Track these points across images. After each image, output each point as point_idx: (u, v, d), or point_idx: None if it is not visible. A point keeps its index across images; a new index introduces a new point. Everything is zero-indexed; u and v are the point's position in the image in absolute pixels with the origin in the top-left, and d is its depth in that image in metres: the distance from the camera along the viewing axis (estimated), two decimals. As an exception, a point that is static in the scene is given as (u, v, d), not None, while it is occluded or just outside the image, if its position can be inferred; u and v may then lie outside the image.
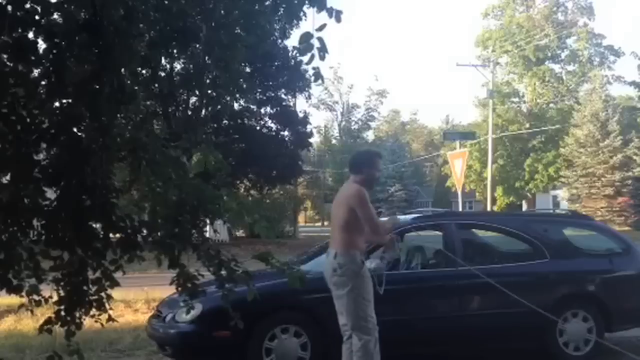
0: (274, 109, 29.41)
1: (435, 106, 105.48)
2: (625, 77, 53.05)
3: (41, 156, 2.93)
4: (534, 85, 49.96)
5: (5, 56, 2.78)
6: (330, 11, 2.82)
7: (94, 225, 2.99)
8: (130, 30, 2.94)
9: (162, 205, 3.01)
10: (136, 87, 3.21)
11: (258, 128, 29.35)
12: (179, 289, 3.16)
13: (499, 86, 48.03)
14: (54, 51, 2.82)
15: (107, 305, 3.19)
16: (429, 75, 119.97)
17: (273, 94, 28.96)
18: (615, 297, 6.63)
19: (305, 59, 2.76)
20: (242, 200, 20.18)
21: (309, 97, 32.14)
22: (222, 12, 18.42)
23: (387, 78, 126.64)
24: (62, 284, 3.07)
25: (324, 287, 5.95)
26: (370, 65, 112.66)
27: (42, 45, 2.84)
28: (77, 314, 3.15)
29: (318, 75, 2.90)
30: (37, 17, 2.81)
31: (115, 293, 3.36)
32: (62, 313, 3.12)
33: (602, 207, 42.18)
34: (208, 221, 3.14)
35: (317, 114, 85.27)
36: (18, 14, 2.76)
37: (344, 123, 72.68)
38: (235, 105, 27.32)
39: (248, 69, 25.14)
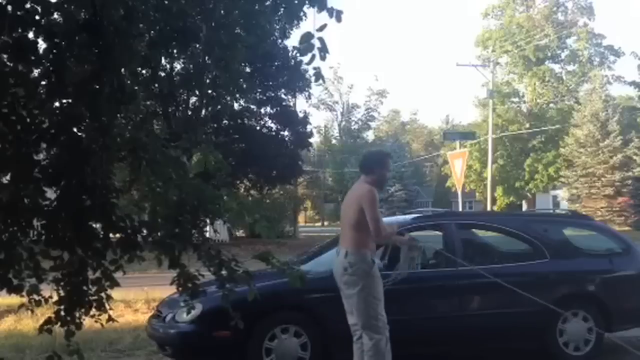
0: (274, 109, 29.40)
1: (435, 106, 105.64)
2: (625, 77, 53.15)
3: (41, 156, 2.93)
4: (534, 85, 49.95)
5: (5, 56, 2.78)
6: (330, 11, 2.82)
7: (94, 225, 2.99)
8: (130, 30, 2.94)
9: (162, 205, 3.01)
10: (136, 87, 3.21)
11: (258, 128, 29.34)
12: (180, 289, 3.15)
13: (499, 86, 48.02)
14: (54, 51, 2.83)
15: (107, 305, 3.19)
16: (429, 75, 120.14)
17: (273, 94, 28.95)
18: (615, 297, 6.63)
19: (306, 59, 2.76)
20: (242, 200, 20.19)
21: (309, 97, 32.16)
22: (222, 12, 18.41)
23: (387, 78, 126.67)
24: (62, 284, 3.08)
25: (324, 287, 5.97)
26: (370, 65, 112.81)
27: (42, 45, 2.84)
28: (77, 314, 3.15)
29: (319, 76, 2.90)
30: (37, 17, 2.81)
31: (115, 293, 3.36)
32: (62, 313, 3.13)
33: (602, 207, 42.17)
34: (208, 221, 3.14)
35: (317, 114, 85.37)
36: (18, 14, 2.76)
37: (344, 123, 72.66)
38: (235, 105, 27.32)
39: (248, 69, 25.13)
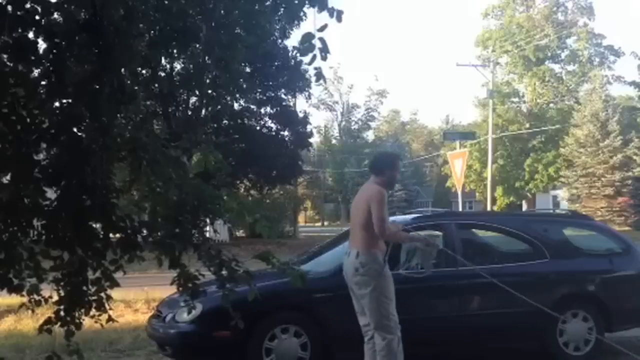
0: (274, 109, 29.40)
1: (435, 106, 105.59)
2: (625, 77, 53.02)
3: (41, 156, 2.93)
4: (534, 85, 49.93)
5: (5, 56, 2.78)
6: (331, 11, 2.81)
7: (94, 225, 2.99)
8: (130, 30, 2.94)
9: (163, 205, 3.01)
10: (136, 87, 3.21)
11: (258, 128, 29.34)
12: (180, 289, 3.15)
13: (499, 86, 48.01)
14: (54, 51, 2.83)
15: (107, 305, 3.19)
16: (429, 75, 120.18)
17: (273, 94, 28.95)
18: (615, 297, 6.63)
19: (307, 59, 2.76)
20: (242, 200, 20.19)
21: (309, 97, 32.17)
22: (222, 12, 18.46)
23: (387, 78, 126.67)
24: (62, 284, 3.08)
25: (324, 287, 5.97)
26: (370, 65, 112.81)
27: (42, 45, 2.84)
28: (77, 314, 3.15)
29: (320, 76, 2.90)
30: (37, 17, 2.81)
31: (115, 293, 3.36)
32: (62, 313, 3.12)
33: (602, 207, 42.15)
34: (208, 221, 3.14)
35: (317, 114, 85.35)
36: (18, 14, 2.76)
37: (344, 123, 72.66)
38: (235, 105, 27.33)
39: (248, 69, 25.15)
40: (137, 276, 8.96)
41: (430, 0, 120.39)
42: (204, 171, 3.12)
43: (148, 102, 20.43)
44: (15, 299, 3.13)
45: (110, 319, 3.26)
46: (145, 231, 3.05)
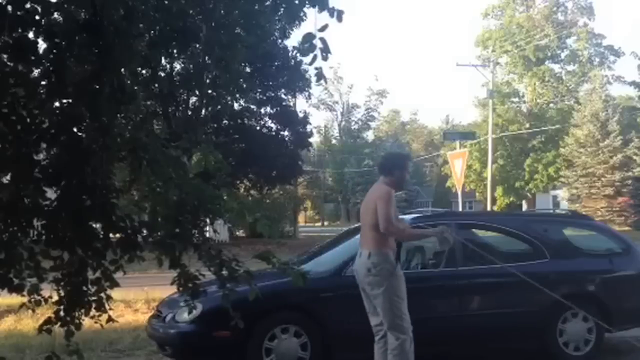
0: (274, 109, 29.40)
1: (435, 106, 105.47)
2: (625, 77, 52.77)
3: (41, 156, 2.93)
4: (534, 85, 49.93)
5: (5, 56, 2.78)
6: (331, 11, 2.81)
7: (94, 225, 2.99)
8: (130, 30, 2.94)
9: (163, 205, 3.01)
10: (136, 87, 3.21)
11: (258, 128, 29.34)
12: (180, 289, 3.15)
13: (499, 86, 48.00)
14: (54, 51, 2.83)
15: (106, 305, 3.19)
16: (429, 75, 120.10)
17: (273, 94, 28.95)
18: (615, 297, 6.63)
19: (308, 59, 2.75)
20: (242, 200, 20.17)
21: (309, 97, 32.20)
22: (222, 12, 18.47)
23: (387, 78, 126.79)
24: (62, 284, 3.07)
25: (324, 287, 5.98)
26: (370, 65, 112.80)
27: (42, 45, 2.84)
28: (77, 314, 3.14)
29: (320, 76, 2.89)
30: (37, 17, 2.82)
31: (115, 293, 3.36)
32: (62, 313, 3.12)
33: (602, 207, 42.14)
34: (208, 221, 3.14)
35: (317, 114, 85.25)
36: (18, 14, 2.76)
37: (344, 123, 72.70)
38: (235, 105, 27.35)
39: (248, 69, 25.17)
40: (137, 276, 8.96)
41: (430, 0, 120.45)
42: (204, 171, 3.12)
43: (148, 102, 20.44)
44: (15, 299, 3.13)
45: (110, 319, 3.26)
46: (145, 231, 3.05)
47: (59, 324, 3.14)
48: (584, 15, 50.29)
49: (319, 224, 68.30)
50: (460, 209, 23.15)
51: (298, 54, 27.30)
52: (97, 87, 2.85)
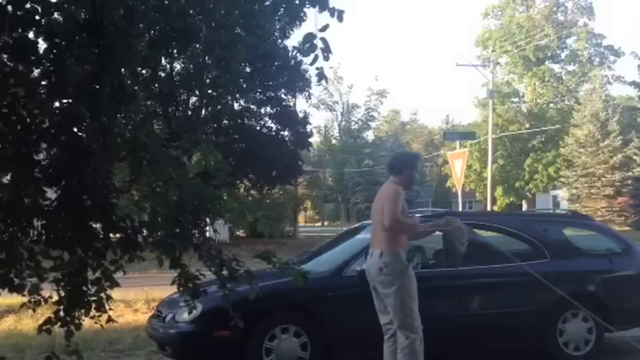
0: (274, 109, 29.40)
1: (435, 106, 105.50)
2: (625, 77, 52.71)
3: (41, 156, 2.93)
4: (534, 85, 49.92)
5: (5, 56, 2.78)
6: (332, 11, 2.81)
7: (94, 225, 2.99)
8: (130, 30, 2.94)
9: (163, 205, 3.00)
10: (136, 87, 3.21)
11: (258, 128, 29.35)
12: (180, 289, 3.15)
13: (499, 86, 47.99)
14: (54, 51, 2.83)
15: (106, 305, 3.18)
16: (429, 75, 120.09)
17: (273, 94, 28.95)
18: (615, 297, 6.63)
19: (308, 59, 2.75)
20: (242, 200, 20.16)
21: (309, 97, 32.21)
22: (222, 12, 18.46)
23: (387, 78, 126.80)
24: (62, 284, 3.07)
25: (324, 287, 5.98)
26: (370, 65, 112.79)
27: (42, 45, 2.84)
28: (77, 314, 3.14)
29: (321, 76, 2.88)
30: (37, 17, 2.81)
31: (115, 293, 3.36)
32: (62, 313, 3.12)
33: (602, 207, 42.13)
34: (208, 221, 3.14)
35: (317, 114, 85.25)
36: (18, 14, 2.76)
37: (344, 123, 72.71)
38: (235, 105, 27.35)
39: (248, 69, 25.17)
40: (137, 276, 8.96)
41: (430, 0, 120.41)
42: (204, 171, 3.11)
43: (148, 102, 20.45)
44: (15, 299, 3.13)
45: (110, 319, 3.26)
46: (145, 231, 3.05)
47: (58, 324, 3.14)
48: (584, 15, 50.28)
49: (319, 224, 68.29)
50: (460, 209, 23.15)
51: (298, 54, 27.37)
52: (97, 87, 2.85)
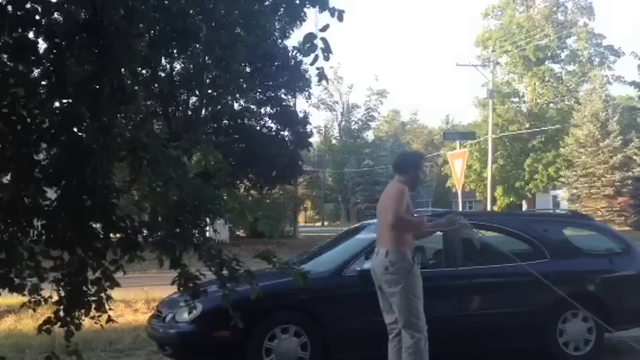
0: (274, 109, 29.41)
1: (435, 106, 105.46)
2: (625, 77, 52.74)
3: (41, 156, 2.93)
4: (534, 85, 49.93)
5: (5, 56, 2.78)
6: (332, 11, 2.80)
7: (94, 225, 2.99)
8: (130, 30, 2.94)
9: (163, 205, 3.00)
10: (136, 87, 3.21)
11: (258, 128, 29.35)
12: (181, 289, 3.15)
13: (499, 86, 48.00)
14: (54, 51, 2.83)
15: (106, 305, 3.18)
16: (429, 75, 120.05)
17: (273, 94, 28.96)
18: (615, 297, 6.63)
19: (308, 59, 2.75)
20: (242, 200, 20.16)
21: (309, 97, 32.18)
22: (222, 12, 18.47)
23: (387, 78, 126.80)
24: (62, 284, 3.07)
25: (324, 287, 5.98)
26: (370, 65, 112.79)
27: (42, 45, 2.84)
28: (77, 315, 3.14)
29: (322, 76, 2.88)
30: (37, 17, 2.82)
31: (115, 293, 3.35)
32: (61, 313, 3.12)
33: (602, 207, 42.14)
34: (208, 221, 3.14)
35: (317, 114, 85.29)
36: (18, 14, 2.76)
37: (344, 123, 72.72)
38: (235, 105, 27.36)
39: (248, 69, 25.18)
40: (137, 276, 8.97)
41: (430, 0, 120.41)
42: (204, 171, 3.11)
43: (148, 102, 20.45)
44: (15, 299, 3.12)
45: (110, 319, 3.25)
46: (145, 231, 3.05)
47: (58, 324, 3.14)
48: (584, 15, 50.29)
49: (319, 224, 68.29)
50: (460, 209, 23.16)
51: (298, 54, 27.38)
52: (97, 87, 2.85)
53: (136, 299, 9.94)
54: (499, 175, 47.64)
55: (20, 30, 2.77)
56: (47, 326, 3.15)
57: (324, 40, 2.75)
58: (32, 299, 3.10)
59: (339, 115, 72.67)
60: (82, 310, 3.14)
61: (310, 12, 3.32)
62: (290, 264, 3.25)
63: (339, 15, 2.79)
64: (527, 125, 48.29)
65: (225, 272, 3.03)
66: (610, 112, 43.80)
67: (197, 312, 5.45)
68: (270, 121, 29.89)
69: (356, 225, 8.95)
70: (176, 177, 2.97)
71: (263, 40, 22.55)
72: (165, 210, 3.00)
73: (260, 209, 26.43)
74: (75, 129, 2.92)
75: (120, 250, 3.05)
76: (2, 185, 2.90)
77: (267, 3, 5.43)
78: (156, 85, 21.46)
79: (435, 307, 6.32)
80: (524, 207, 49.68)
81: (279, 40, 27.75)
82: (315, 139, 54.25)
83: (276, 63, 27.56)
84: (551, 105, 51.34)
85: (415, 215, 5.66)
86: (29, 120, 2.84)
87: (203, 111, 24.82)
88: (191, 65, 24.09)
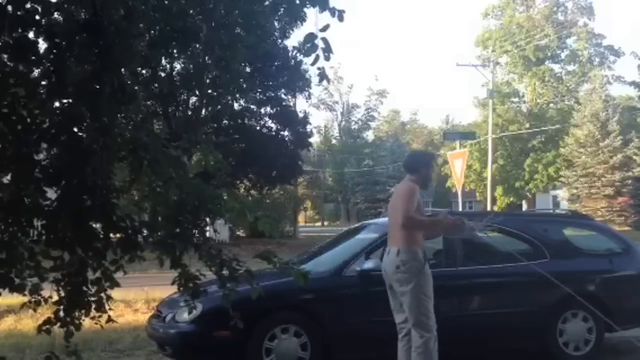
0: (274, 109, 29.41)
1: (435, 106, 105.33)
2: (625, 77, 52.79)
3: (42, 156, 2.93)
4: (534, 85, 49.94)
5: (5, 56, 2.78)
6: (332, 11, 2.80)
7: (94, 225, 2.99)
8: (130, 30, 2.94)
9: (163, 205, 3.00)
10: (136, 87, 3.21)
11: (258, 128, 29.35)
12: (181, 289, 3.15)
13: (499, 86, 47.99)
14: (54, 51, 2.83)
15: (106, 305, 3.18)
16: (429, 75, 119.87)
17: (273, 94, 28.96)
18: (615, 297, 6.63)
19: (308, 59, 2.75)
20: (242, 200, 20.16)
21: (309, 97, 32.17)
22: (222, 12, 18.49)
23: (387, 78, 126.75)
24: (62, 284, 3.07)
25: (324, 287, 5.98)
26: (370, 65, 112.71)
27: (42, 45, 2.85)
28: (77, 315, 3.14)
29: (323, 76, 2.88)
30: (37, 17, 2.82)
31: (115, 293, 3.36)
32: (61, 314, 3.12)
33: (602, 207, 42.14)
34: (209, 221, 3.14)
35: (317, 114, 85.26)
36: (18, 14, 2.76)
37: (344, 123, 72.71)
38: (235, 105, 27.36)
39: (248, 69, 25.19)
40: (137, 276, 8.96)
41: (430, 0, 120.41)
42: (204, 171, 3.11)
43: (148, 102, 20.46)
44: (15, 299, 3.12)
45: (110, 319, 3.26)
46: (145, 231, 3.05)
47: (58, 324, 3.14)
48: (584, 15, 50.29)
49: (319, 224, 68.30)
50: (460, 209, 23.15)
51: (298, 54, 27.39)
52: (98, 87, 2.85)
53: (136, 299, 9.94)
54: (499, 175, 47.64)
55: (20, 30, 2.77)
56: (47, 326, 3.15)
57: (324, 40, 2.75)
58: (33, 299, 3.10)
59: (339, 115, 72.73)
60: (82, 311, 3.14)
61: (311, 12, 3.32)
62: (291, 264, 3.25)
63: (339, 15, 2.78)
64: (527, 125, 48.29)
65: (225, 272, 3.03)
66: (610, 112, 43.81)
67: (197, 312, 5.45)
68: (270, 121, 29.91)
69: (356, 225, 8.95)
70: (176, 177, 2.98)
71: (263, 40, 22.56)
72: (165, 210, 3.00)
73: (260, 209, 26.46)
74: (75, 129, 2.93)
75: (121, 250, 3.06)
76: (2, 185, 2.90)
77: (267, 3, 5.44)
78: (156, 85, 21.47)
79: (435, 307, 6.32)
80: (524, 207, 49.68)
81: (279, 40, 27.75)
82: (315, 139, 54.34)
83: (276, 63, 27.57)
84: (551, 105, 51.34)
85: (429, 214, 5.66)
86: (29, 120, 2.84)
87: (203, 111, 24.83)
88: (191, 65, 24.09)
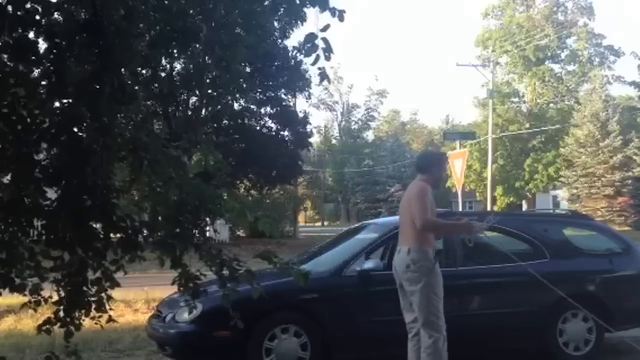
0: (274, 109, 29.40)
1: (435, 106, 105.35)
2: (625, 77, 52.84)
3: (42, 156, 2.93)
4: (534, 85, 49.94)
5: (5, 56, 2.78)
6: (333, 11, 2.80)
7: (94, 225, 2.99)
8: (130, 30, 2.94)
9: (163, 205, 3.00)
10: (136, 87, 3.21)
11: (258, 128, 29.34)
12: (181, 288, 3.15)
13: (499, 86, 48.00)
14: (54, 51, 2.83)
15: (107, 306, 3.18)
16: (429, 75, 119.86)
17: (273, 94, 28.96)
18: (615, 297, 6.63)
19: (310, 59, 2.74)
20: (242, 200, 20.15)
21: (309, 97, 32.17)
22: (222, 12, 18.48)
23: (387, 78, 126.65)
24: (62, 284, 3.07)
25: (324, 287, 5.98)
26: (370, 65, 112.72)
27: (42, 45, 2.85)
28: (77, 315, 3.14)
29: (324, 76, 2.87)
30: (37, 17, 2.82)
31: (115, 293, 3.35)
32: (61, 314, 3.12)
33: (602, 207, 42.14)
34: (209, 221, 3.14)
35: (317, 114, 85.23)
36: (18, 14, 2.76)
37: (344, 123, 72.72)
38: (235, 105, 27.36)
39: (248, 69, 25.19)
40: (137, 276, 8.95)
41: (430, 1, 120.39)
42: (204, 171, 3.11)
43: (148, 102, 20.46)
44: (15, 299, 3.12)
45: (110, 319, 3.26)
46: (145, 231, 3.05)
47: (58, 324, 3.14)
48: (584, 15, 50.30)
49: (319, 224, 68.30)
50: (460, 209, 23.15)
51: (298, 54, 27.39)
52: (98, 87, 2.85)
53: (136, 299, 9.93)
54: (499, 175, 47.64)
55: (20, 30, 2.77)
56: (47, 326, 3.15)
57: (325, 40, 2.75)
58: (33, 299, 3.10)
59: (339, 115, 72.73)
60: (82, 311, 3.14)
61: (311, 12, 3.32)
62: (291, 264, 3.25)
63: (340, 15, 2.78)
64: (527, 125, 48.29)
65: (225, 272, 3.03)
66: (610, 112, 43.81)
67: (197, 312, 5.45)
68: (270, 121, 29.90)
69: (356, 225, 8.94)
70: (176, 177, 2.98)
71: (263, 40, 22.56)
72: (165, 210, 3.00)
73: (260, 209, 26.45)
74: (75, 129, 2.93)
75: (121, 250, 3.06)
76: (2, 185, 2.90)
77: (267, 3, 5.43)
78: (156, 85, 21.45)
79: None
80: (524, 207, 49.68)
81: (279, 40, 27.74)
82: (315, 139, 54.34)
83: (276, 63, 27.56)
84: (551, 105, 51.35)
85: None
86: (29, 120, 2.85)
87: (203, 111, 24.82)
88: (191, 65, 24.10)
